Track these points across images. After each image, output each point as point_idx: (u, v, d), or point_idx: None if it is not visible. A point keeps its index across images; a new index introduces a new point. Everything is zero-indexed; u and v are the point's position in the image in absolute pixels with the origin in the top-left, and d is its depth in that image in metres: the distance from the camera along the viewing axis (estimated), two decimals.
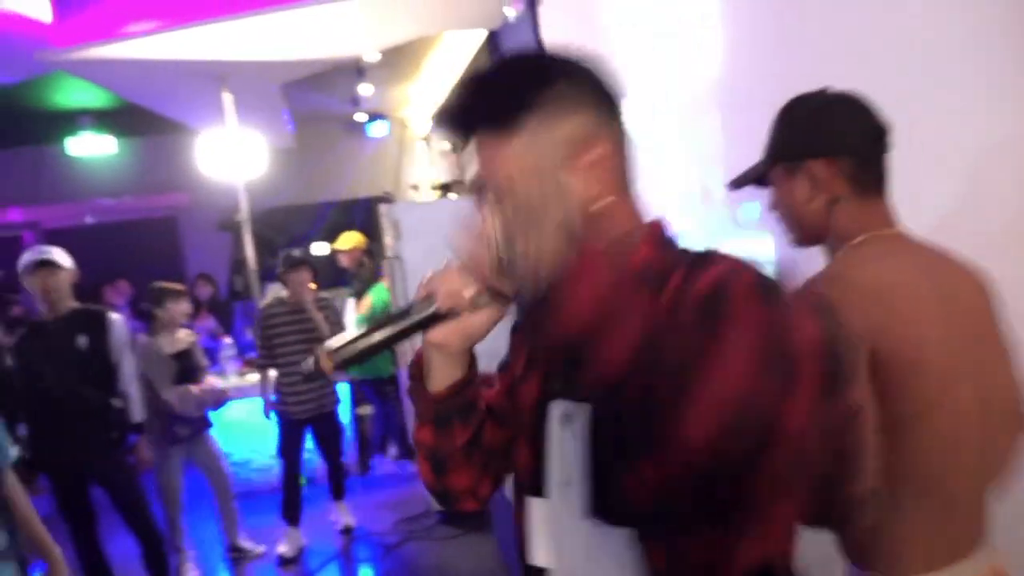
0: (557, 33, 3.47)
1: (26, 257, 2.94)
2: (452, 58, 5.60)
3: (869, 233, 1.09)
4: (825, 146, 1.10)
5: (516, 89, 0.80)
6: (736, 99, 2.10)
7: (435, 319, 0.79)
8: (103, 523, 3.10)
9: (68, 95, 6.19)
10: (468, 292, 0.77)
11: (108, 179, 7.36)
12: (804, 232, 1.16)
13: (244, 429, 4.66)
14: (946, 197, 1.46)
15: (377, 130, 7.37)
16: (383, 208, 3.90)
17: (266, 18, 4.12)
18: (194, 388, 3.44)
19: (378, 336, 0.79)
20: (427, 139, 6.95)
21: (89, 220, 8.38)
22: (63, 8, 4.07)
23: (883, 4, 1.59)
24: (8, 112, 6.11)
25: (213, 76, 4.78)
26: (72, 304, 2.97)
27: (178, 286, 3.56)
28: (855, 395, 0.88)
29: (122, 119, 6.65)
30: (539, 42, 3.61)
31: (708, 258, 0.76)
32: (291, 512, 3.76)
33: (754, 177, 1.20)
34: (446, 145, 5.88)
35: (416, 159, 7.53)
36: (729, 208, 2.17)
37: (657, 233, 0.85)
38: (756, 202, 2.02)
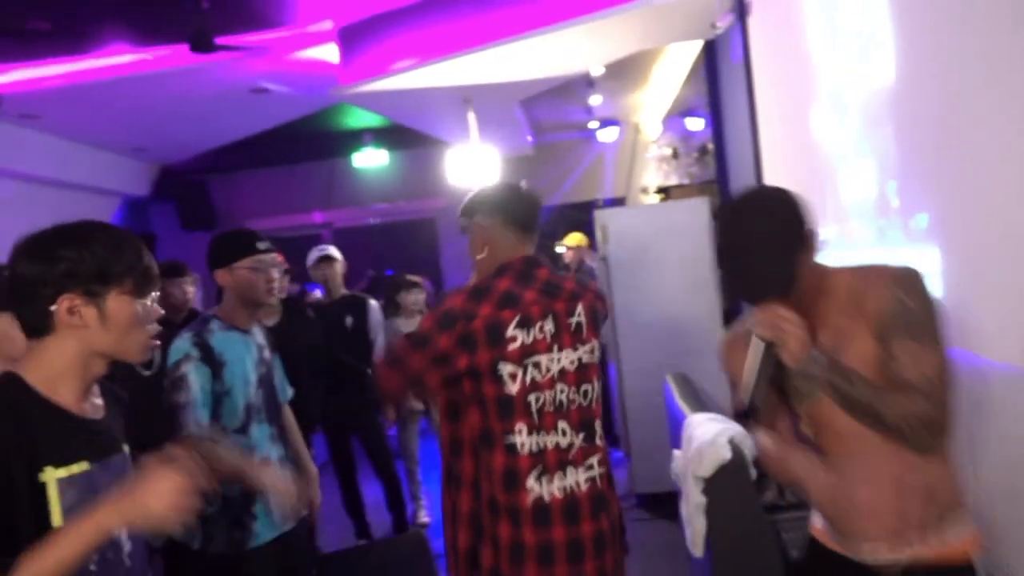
0: (765, 42, 3.54)
1: (312, 253, 3.80)
2: (676, 65, 5.78)
3: None
4: None
5: None
6: (917, 110, 2.10)
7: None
8: (359, 472, 3.89)
9: (353, 119, 7.47)
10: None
11: (384, 186, 8.67)
12: None
13: None
14: None
15: (608, 135, 7.75)
16: (597, 213, 4.25)
17: (504, 47, 4.70)
18: None
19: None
20: (655, 143, 7.16)
21: (371, 221, 9.89)
22: (347, 53, 5.05)
23: None
24: (309, 134, 7.57)
25: (461, 98, 5.53)
26: (343, 291, 3.78)
27: (415, 278, 4.26)
28: None
29: (393, 136, 7.84)
30: (747, 51, 3.70)
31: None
32: None
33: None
34: (667, 150, 6.05)
35: (647, 163, 7.78)
36: (902, 218, 2.18)
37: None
38: (926, 213, 2.03)
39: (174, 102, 5.80)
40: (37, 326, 1.12)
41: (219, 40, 4.43)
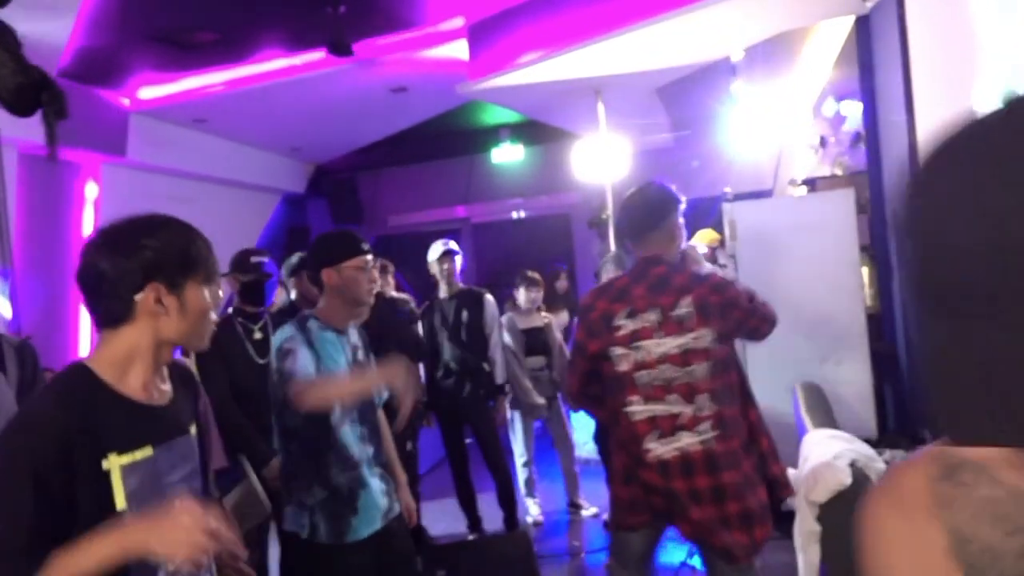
0: (923, 17, 3.14)
1: (434, 248, 3.87)
2: (826, 46, 5.30)
3: None
4: None
5: None
6: None
7: None
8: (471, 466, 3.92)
9: (491, 115, 7.57)
10: None
11: (520, 181, 8.73)
12: None
13: None
14: None
15: (755, 124, 7.28)
16: (725, 207, 4.00)
17: (635, 33, 4.52)
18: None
19: None
20: (804, 132, 6.65)
21: (507, 216, 10.01)
22: (476, 49, 5.10)
23: None
24: (448, 131, 7.76)
25: (590, 89, 5.41)
26: (459, 285, 3.82)
27: (534, 274, 4.22)
28: None
29: (529, 131, 7.86)
30: (904, 28, 3.31)
31: None
32: None
33: None
34: (814, 139, 5.59)
35: (795, 153, 7.24)
36: None
37: None
38: None
39: (322, 104, 6.16)
40: (116, 316, 1.18)
41: (355, 44, 4.63)
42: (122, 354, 1.18)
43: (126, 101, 5.72)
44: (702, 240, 5.19)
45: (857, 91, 4.64)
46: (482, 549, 3.23)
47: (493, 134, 8.26)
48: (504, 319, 4.09)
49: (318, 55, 5.24)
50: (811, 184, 5.07)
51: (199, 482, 1.28)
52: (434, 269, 3.84)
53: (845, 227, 3.63)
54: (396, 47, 5.20)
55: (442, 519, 4.09)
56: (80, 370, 1.17)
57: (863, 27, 4.19)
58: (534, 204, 9.16)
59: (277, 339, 2.06)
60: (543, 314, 4.20)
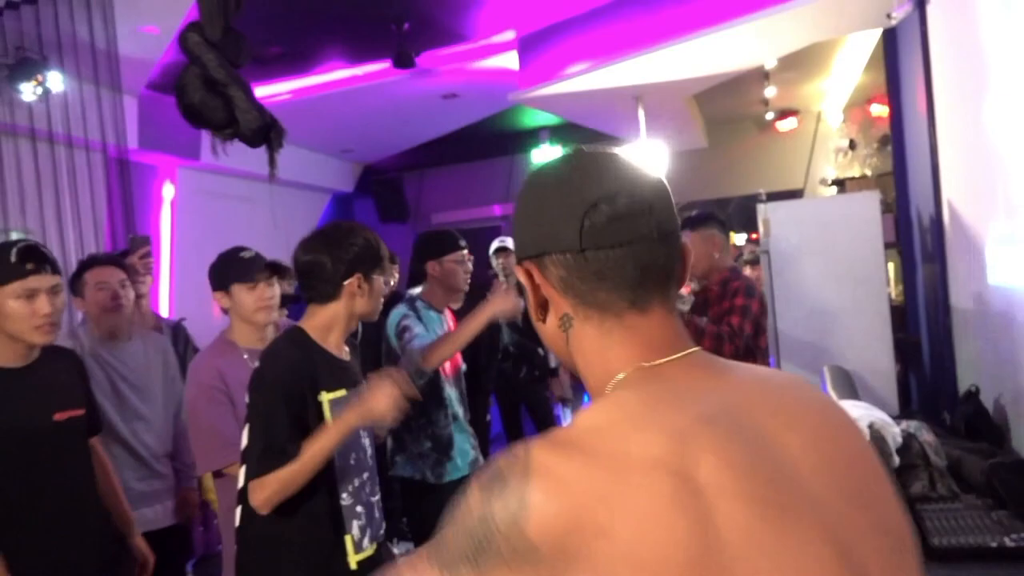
0: (944, 31, 3.45)
1: (493, 244, 4.27)
2: (856, 53, 5.60)
3: None
4: None
5: None
6: None
7: None
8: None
9: (531, 118, 7.96)
10: None
11: None
12: None
13: None
14: None
15: (787, 126, 7.58)
16: (759, 207, 4.32)
17: (674, 47, 4.87)
18: None
19: None
20: (835, 134, 6.92)
21: None
22: (526, 60, 5.49)
23: None
24: (490, 133, 8.17)
25: (631, 96, 5.77)
26: (516, 277, 4.21)
27: None
28: None
29: (568, 132, 8.23)
30: (926, 41, 3.62)
31: None
32: None
33: None
34: (843, 141, 5.87)
35: (826, 154, 7.52)
36: None
37: None
38: None
39: (377, 109, 6.61)
40: (327, 296, 1.62)
41: (417, 56, 5.05)
42: (326, 322, 1.62)
43: None
44: (735, 239, 5.52)
45: (885, 96, 4.93)
46: None
47: (533, 136, 8.65)
48: None
49: (378, 66, 5.68)
50: (840, 184, 5.37)
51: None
52: (492, 262, 4.25)
53: (871, 225, 3.94)
54: (452, 58, 5.61)
55: None
56: (299, 331, 1.61)
57: (890, 37, 4.49)
58: None
59: (393, 317, 2.48)
60: None
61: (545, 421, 4.20)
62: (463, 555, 0.65)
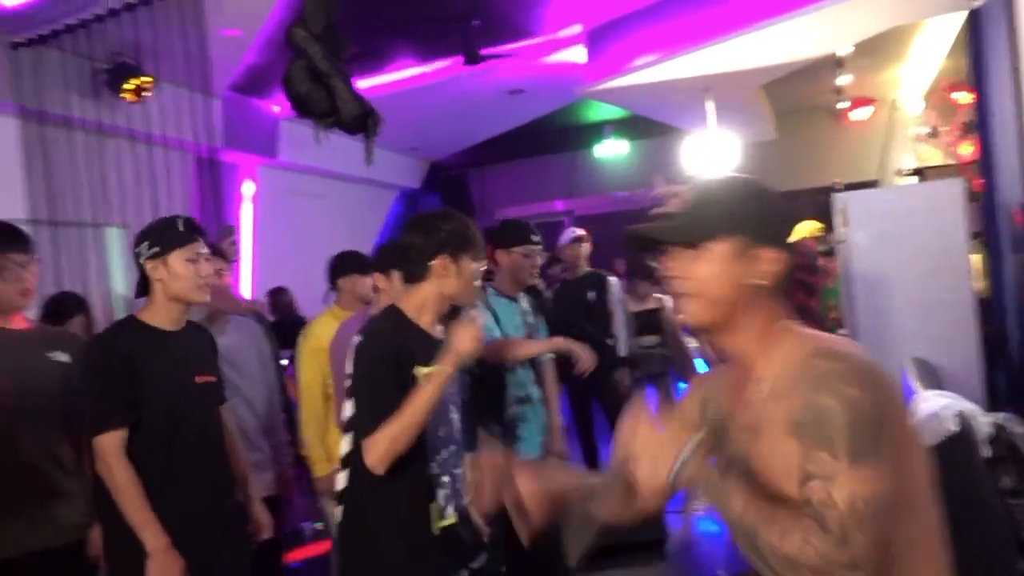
0: None
1: (564, 234, 4.33)
2: (939, 37, 5.40)
3: None
4: None
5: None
6: None
7: None
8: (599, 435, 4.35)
9: (595, 112, 7.96)
10: None
11: (623, 175, 9.06)
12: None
13: None
14: None
15: (860, 115, 7.36)
16: (836, 196, 4.24)
17: (744, 36, 4.81)
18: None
19: None
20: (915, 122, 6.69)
21: (610, 209, 10.36)
22: (593, 53, 5.51)
23: None
24: (554, 128, 8.20)
25: (698, 88, 5.71)
26: (587, 268, 4.25)
27: (652, 264, 4.60)
28: None
29: (633, 126, 8.19)
30: (1012, 22, 3.49)
31: None
32: None
33: None
34: (923, 129, 5.67)
35: (904, 143, 7.27)
36: None
37: None
38: None
39: (444, 106, 6.73)
40: (417, 275, 1.72)
41: (484, 52, 5.14)
42: (419, 302, 1.72)
43: (276, 108, 6.45)
44: (800, 233, 5.38)
45: (971, 82, 4.75)
46: None
47: (597, 130, 8.65)
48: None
49: (447, 63, 5.80)
50: (919, 173, 5.19)
51: (458, 387, 1.83)
52: (564, 253, 4.31)
53: (954, 214, 3.82)
54: (519, 53, 5.68)
55: None
56: (396, 309, 1.71)
57: (975, 19, 4.32)
58: (639, 197, 9.44)
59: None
60: (656, 295, 4.57)
61: (617, 412, 4.22)
62: (868, 446, 0.91)
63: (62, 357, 2.06)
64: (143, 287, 1.92)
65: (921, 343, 3.69)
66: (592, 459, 4.32)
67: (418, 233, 1.72)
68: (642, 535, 3.30)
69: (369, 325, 1.72)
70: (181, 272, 1.87)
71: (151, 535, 1.72)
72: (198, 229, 1.93)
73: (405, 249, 1.73)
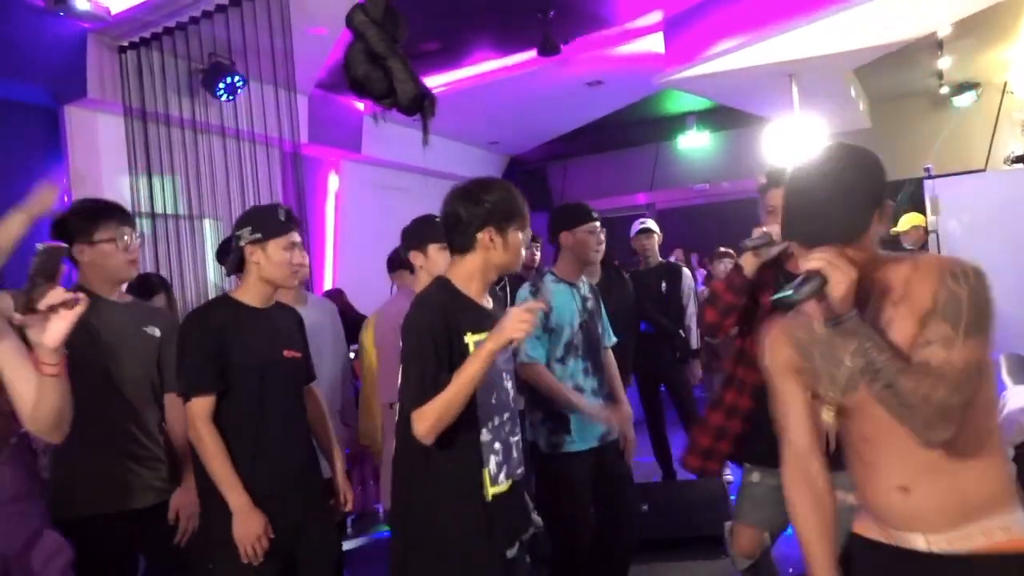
0: None
1: (634, 225, 4.28)
2: None
3: None
4: None
5: None
6: None
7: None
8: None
9: (677, 103, 7.80)
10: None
11: (705, 167, 8.85)
12: None
13: None
14: None
15: (964, 101, 6.90)
16: (927, 183, 4.01)
17: (832, 17, 4.59)
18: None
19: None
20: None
21: (692, 202, 10.14)
22: (672, 40, 5.40)
23: None
24: (635, 120, 8.09)
25: (784, 73, 5.50)
26: (658, 259, 4.20)
27: (730, 250, 4.48)
28: None
29: (715, 117, 7.98)
30: None
31: None
32: None
33: None
34: None
35: (1015, 128, 6.76)
36: None
37: None
38: None
39: (524, 100, 6.76)
40: (463, 247, 1.75)
41: (562, 44, 5.14)
42: (467, 272, 1.75)
43: (360, 105, 6.66)
44: (906, 225, 5.09)
45: None
46: (680, 490, 3.60)
47: (679, 121, 8.47)
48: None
49: (525, 56, 5.82)
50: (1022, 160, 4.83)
51: (508, 354, 1.86)
52: (635, 244, 4.26)
53: None
54: (597, 43, 5.64)
55: (636, 472, 4.49)
56: (445, 280, 1.75)
57: None
58: (721, 190, 9.22)
59: (520, 294, 2.58)
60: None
61: (685, 404, 4.15)
62: (980, 324, 1.15)
63: (155, 331, 2.21)
64: (236, 266, 2.05)
65: (1017, 336, 3.44)
66: (661, 447, 4.26)
67: (463, 205, 1.72)
68: (705, 529, 3.23)
69: (419, 297, 1.76)
70: (277, 258, 1.99)
71: (235, 495, 1.86)
72: (295, 220, 2.06)
73: (450, 221, 1.75)
